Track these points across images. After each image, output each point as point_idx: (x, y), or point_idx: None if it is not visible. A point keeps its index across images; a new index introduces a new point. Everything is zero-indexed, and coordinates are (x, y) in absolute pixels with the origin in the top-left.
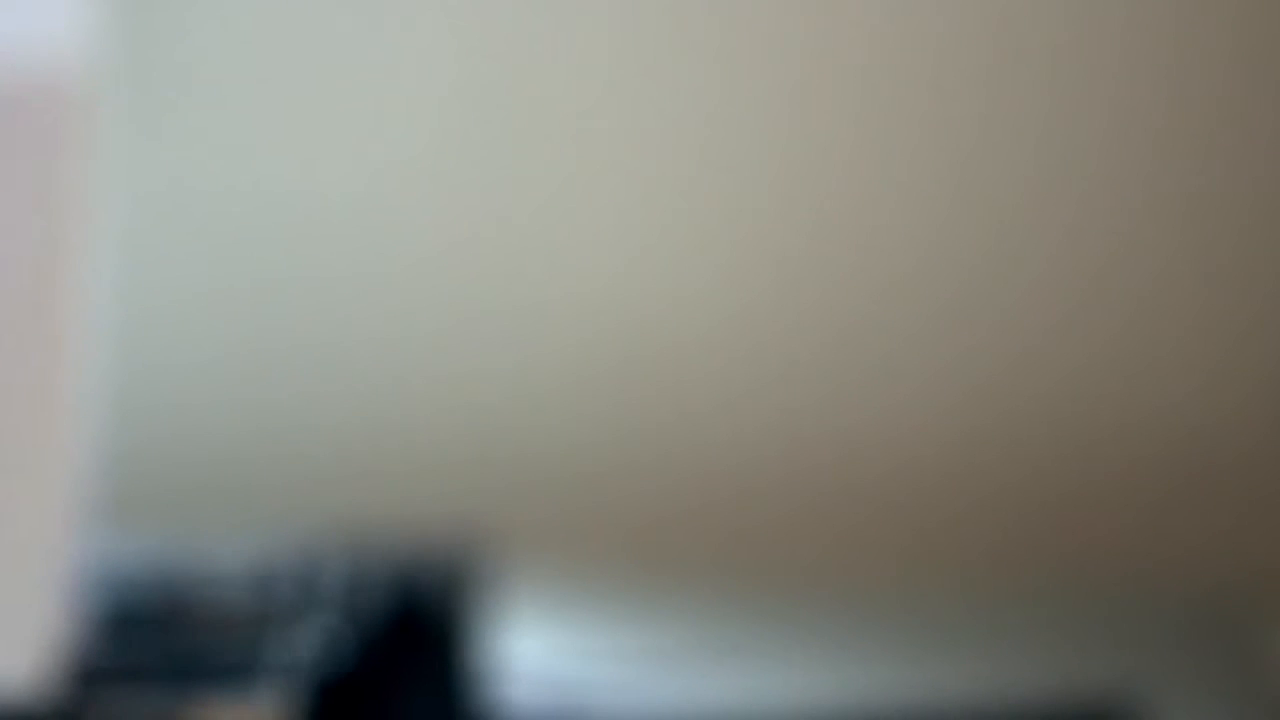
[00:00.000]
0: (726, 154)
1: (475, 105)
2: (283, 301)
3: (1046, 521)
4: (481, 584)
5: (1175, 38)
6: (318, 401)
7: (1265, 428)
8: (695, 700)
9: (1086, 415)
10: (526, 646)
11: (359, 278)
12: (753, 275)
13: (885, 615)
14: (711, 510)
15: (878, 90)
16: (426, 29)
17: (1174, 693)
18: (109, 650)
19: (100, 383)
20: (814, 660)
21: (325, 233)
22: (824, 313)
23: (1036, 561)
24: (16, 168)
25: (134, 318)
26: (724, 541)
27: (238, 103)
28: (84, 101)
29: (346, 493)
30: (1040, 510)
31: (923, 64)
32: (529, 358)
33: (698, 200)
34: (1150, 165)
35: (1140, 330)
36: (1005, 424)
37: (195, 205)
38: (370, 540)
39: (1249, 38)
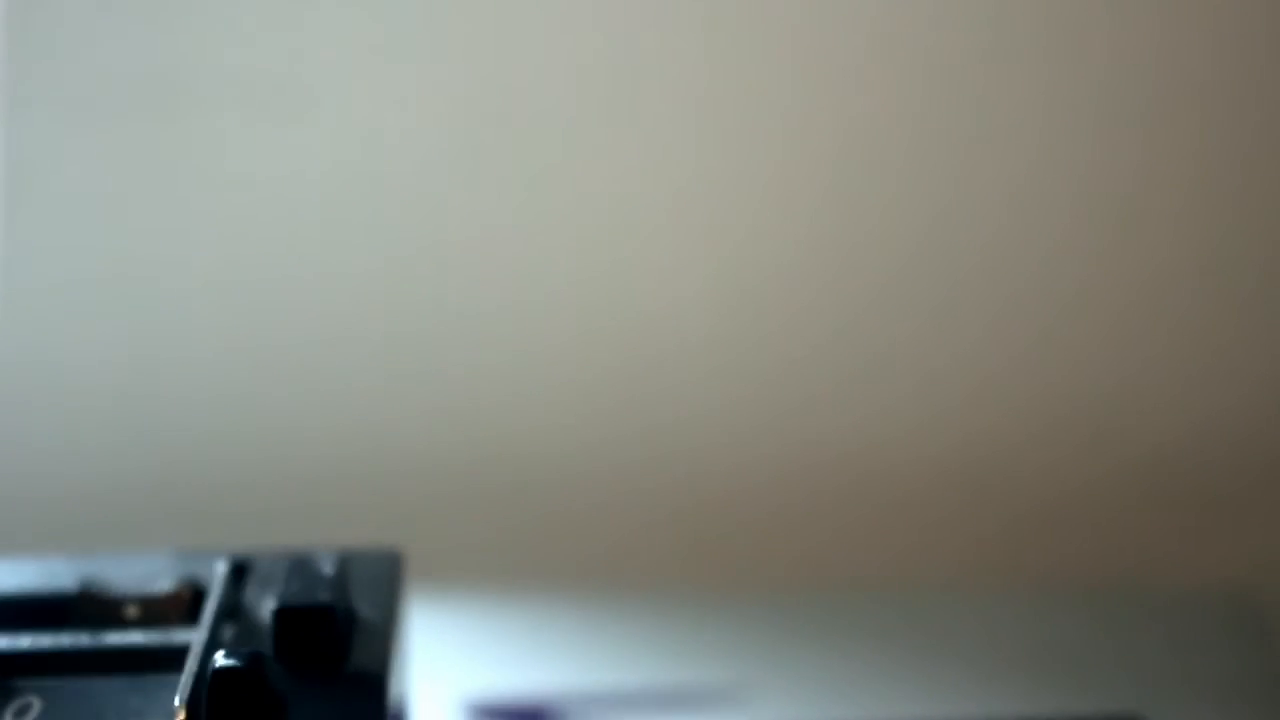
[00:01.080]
0: (720, 153)
1: (470, 104)
2: (266, 301)
3: (1045, 524)
4: (390, 590)
5: (1174, 33)
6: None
7: (1266, 427)
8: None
9: (1085, 415)
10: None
11: (340, 278)
12: (744, 279)
13: (880, 623)
14: (704, 516)
15: (877, 88)
16: (424, 25)
17: (1177, 694)
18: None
19: None
20: (807, 670)
21: (306, 233)
22: (818, 315)
23: (1036, 564)
24: None
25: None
26: (717, 548)
27: (230, 96)
28: None
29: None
30: (1038, 513)
31: (919, 63)
32: (519, 361)
33: (688, 202)
34: (1148, 162)
35: (1138, 329)
36: (1004, 425)
37: (174, 203)
38: (281, 546)
39: (1248, 33)
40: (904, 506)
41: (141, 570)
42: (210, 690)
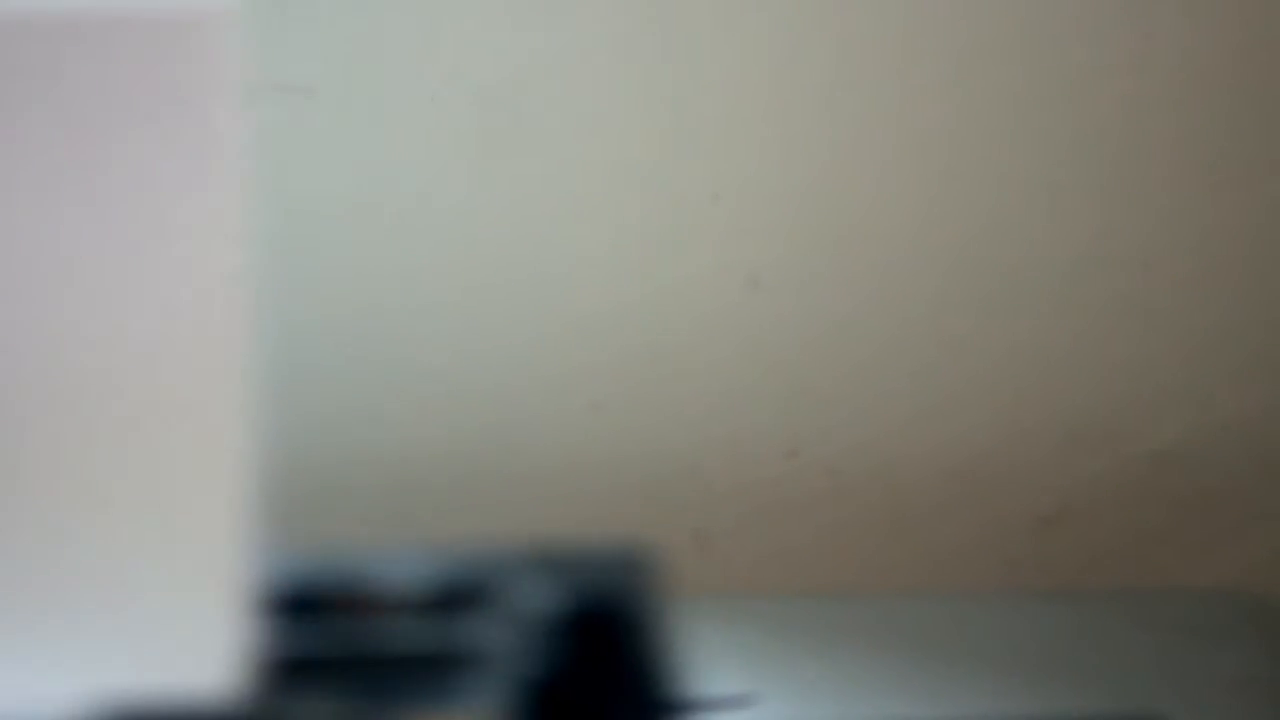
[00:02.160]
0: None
1: (474, 101)
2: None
3: (1049, 525)
4: (657, 583)
5: (1170, 28)
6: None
7: (1266, 427)
8: None
9: (1085, 416)
10: None
11: (337, 277)
12: (743, 280)
13: (889, 627)
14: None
15: (880, 83)
16: (427, 24)
17: (1188, 692)
18: (290, 646)
19: (264, 375)
20: (818, 675)
21: (304, 231)
22: (819, 317)
23: (1041, 565)
24: (168, 117)
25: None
26: (717, 552)
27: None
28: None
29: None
30: (1042, 514)
31: (919, 66)
32: (517, 364)
33: (687, 203)
34: (1148, 164)
35: (1139, 330)
36: (1006, 425)
37: None
38: (537, 543)
39: (1247, 30)
40: (905, 508)
41: (413, 565)
42: (521, 696)
